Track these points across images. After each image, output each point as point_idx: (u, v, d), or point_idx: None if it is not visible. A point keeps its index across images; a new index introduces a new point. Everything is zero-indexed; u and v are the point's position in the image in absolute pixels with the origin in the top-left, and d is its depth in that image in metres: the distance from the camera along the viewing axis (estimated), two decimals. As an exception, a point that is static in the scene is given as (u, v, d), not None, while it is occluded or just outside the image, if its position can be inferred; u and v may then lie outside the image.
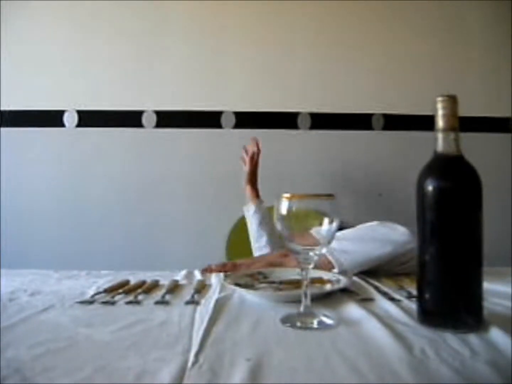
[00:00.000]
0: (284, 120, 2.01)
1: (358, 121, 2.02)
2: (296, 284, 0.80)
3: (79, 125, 1.97)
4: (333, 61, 2.03)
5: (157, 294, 0.80)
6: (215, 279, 0.93)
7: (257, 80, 2.02)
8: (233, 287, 0.81)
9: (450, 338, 0.56)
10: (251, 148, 1.63)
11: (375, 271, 0.96)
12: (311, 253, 0.64)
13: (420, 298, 0.63)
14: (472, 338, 0.56)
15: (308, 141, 2.01)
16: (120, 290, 0.81)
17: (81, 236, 1.98)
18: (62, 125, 1.97)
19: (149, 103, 1.98)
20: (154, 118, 1.98)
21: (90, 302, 0.75)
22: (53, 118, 1.96)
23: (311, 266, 0.65)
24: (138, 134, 1.98)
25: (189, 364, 0.48)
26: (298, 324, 0.62)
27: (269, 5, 1.99)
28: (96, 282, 0.91)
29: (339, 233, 0.84)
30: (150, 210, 1.99)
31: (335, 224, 0.63)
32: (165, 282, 0.89)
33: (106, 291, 0.81)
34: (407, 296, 0.77)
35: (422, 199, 0.61)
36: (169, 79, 2.00)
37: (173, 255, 1.93)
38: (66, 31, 1.99)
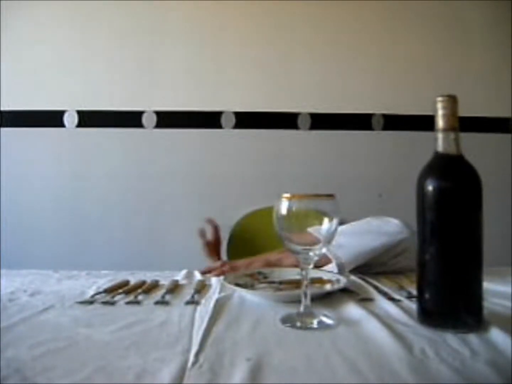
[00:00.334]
0: (284, 120, 2.01)
1: (358, 121, 2.02)
2: (296, 284, 0.80)
3: (79, 125, 1.97)
4: (333, 61, 2.03)
5: (157, 294, 0.80)
6: (215, 279, 0.93)
7: (257, 80, 2.02)
8: (233, 287, 0.80)
9: (450, 338, 0.56)
10: (214, 222, 1.44)
11: (374, 272, 0.96)
12: (311, 253, 0.64)
13: (420, 298, 0.63)
14: (472, 338, 0.56)
15: (308, 141, 2.02)
16: (120, 290, 0.81)
17: (81, 236, 1.98)
18: (62, 125, 1.97)
19: (149, 103, 1.98)
20: (154, 118, 1.98)
21: (90, 302, 0.75)
22: (53, 118, 1.96)
23: (311, 266, 0.65)
24: (138, 134, 1.98)
25: (189, 364, 0.48)
26: (298, 324, 0.62)
27: (269, 5, 1.99)
28: (96, 282, 0.91)
29: None
30: (150, 210, 1.99)
31: (335, 224, 0.63)
32: (165, 282, 0.89)
33: (106, 291, 0.81)
34: (407, 296, 0.77)
35: (422, 199, 0.61)
36: (169, 79, 2.00)
37: (173, 255, 1.92)
38: (66, 31, 2.00)
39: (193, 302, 0.75)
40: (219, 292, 0.80)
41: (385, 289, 0.83)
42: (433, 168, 0.62)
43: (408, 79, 2.04)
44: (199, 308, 0.72)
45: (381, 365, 0.48)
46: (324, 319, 0.64)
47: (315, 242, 0.64)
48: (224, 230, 1.90)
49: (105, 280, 0.93)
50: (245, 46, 2.02)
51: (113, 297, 0.77)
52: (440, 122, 0.61)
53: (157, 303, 0.74)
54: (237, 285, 0.82)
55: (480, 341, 0.55)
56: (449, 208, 0.60)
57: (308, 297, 0.65)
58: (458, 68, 2.04)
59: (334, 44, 2.04)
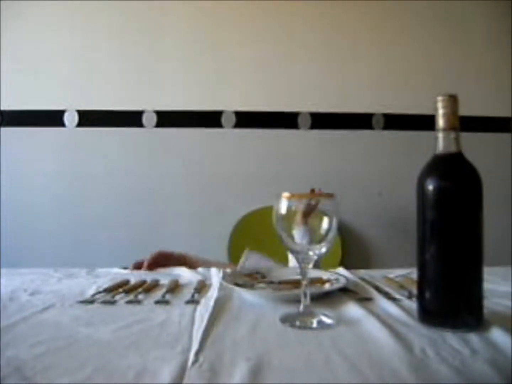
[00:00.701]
0: (284, 120, 2.01)
1: (358, 121, 2.02)
2: (296, 284, 0.80)
3: (79, 125, 1.97)
4: (333, 61, 2.03)
5: (157, 294, 0.80)
6: (215, 278, 0.93)
7: (257, 80, 2.02)
8: (232, 286, 0.80)
9: (450, 338, 0.56)
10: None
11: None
12: (310, 253, 0.64)
13: (420, 298, 0.63)
14: (472, 337, 0.56)
15: (308, 140, 2.02)
16: (120, 290, 0.81)
17: (81, 236, 1.98)
18: (62, 125, 1.97)
19: (149, 103, 1.98)
20: (154, 118, 1.98)
21: (91, 301, 0.75)
22: (53, 118, 1.96)
23: (311, 265, 0.65)
24: (138, 134, 1.98)
25: (189, 363, 0.48)
26: (298, 323, 0.62)
27: (269, 5, 1.99)
28: (96, 281, 0.91)
29: None
30: (150, 210, 1.99)
31: (335, 224, 0.63)
32: (165, 281, 0.89)
33: (106, 290, 0.81)
34: (408, 295, 0.77)
35: (422, 198, 0.61)
36: (169, 79, 2.00)
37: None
38: (66, 31, 1.99)
39: (193, 301, 0.75)
40: (219, 292, 0.80)
41: (386, 288, 0.83)
42: (433, 167, 0.62)
43: (408, 79, 2.04)
44: (199, 307, 0.72)
45: (381, 365, 0.48)
46: (324, 318, 0.64)
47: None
48: (225, 229, 1.91)
49: (105, 279, 0.93)
50: (245, 46, 2.02)
51: (113, 296, 0.77)
52: (440, 122, 0.61)
53: (157, 302, 0.74)
54: (237, 285, 0.82)
55: (480, 340, 0.55)
56: (449, 208, 0.60)
57: (308, 296, 0.65)
58: (458, 68, 2.04)
59: (334, 44, 2.04)
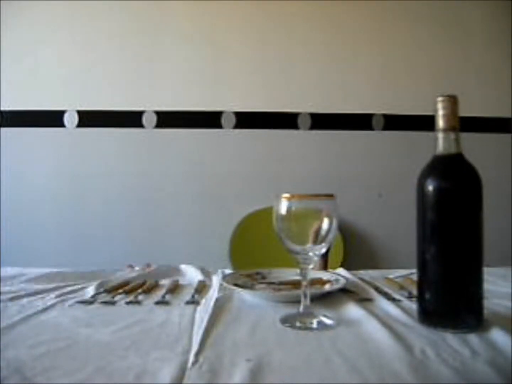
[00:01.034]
0: (284, 120, 2.01)
1: (358, 121, 2.02)
2: (296, 284, 0.80)
3: (79, 125, 1.97)
4: (333, 61, 2.03)
5: (157, 294, 0.80)
6: (215, 279, 0.93)
7: (257, 80, 2.02)
8: (232, 287, 0.80)
9: (451, 338, 0.56)
10: None
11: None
12: (310, 253, 0.64)
13: (420, 298, 0.63)
14: (473, 338, 0.56)
15: (308, 141, 2.02)
16: (121, 290, 0.81)
17: (81, 236, 1.98)
18: (62, 125, 1.97)
19: (149, 103, 1.98)
20: (154, 118, 1.98)
21: (91, 302, 0.75)
22: (53, 118, 1.96)
23: (311, 266, 0.65)
24: (138, 134, 1.98)
25: (189, 364, 0.48)
26: (298, 324, 0.62)
27: (269, 5, 1.99)
28: (96, 281, 0.91)
29: None
30: (150, 210, 1.99)
31: (335, 224, 0.63)
32: (165, 282, 0.89)
33: (107, 291, 0.81)
34: (408, 296, 0.77)
35: (423, 199, 0.61)
36: (169, 79, 2.00)
37: (174, 255, 1.92)
38: (66, 31, 1.99)
39: (193, 302, 0.75)
40: (219, 292, 0.80)
41: (385, 289, 0.83)
42: (433, 168, 0.62)
43: (408, 79, 2.04)
44: (199, 308, 0.72)
45: (381, 365, 0.48)
46: (324, 319, 0.64)
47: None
48: (225, 230, 1.90)
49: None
50: (245, 46, 2.02)
51: (113, 297, 0.77)
52: (440, 122, 0.61)
53: (157, 303, 0.74)
54: (237, 285, 0.82)
55: (481, 341, 0.55)
56: (449, 208, 0.60)
57: (308, 297, 0.65)
58: (458, 68, 2.04)
59: (334, 44, 2.04)
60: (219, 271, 1.00)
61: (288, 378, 0.46)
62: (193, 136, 2.00)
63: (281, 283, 0.84)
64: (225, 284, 0.82)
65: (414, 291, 0.68)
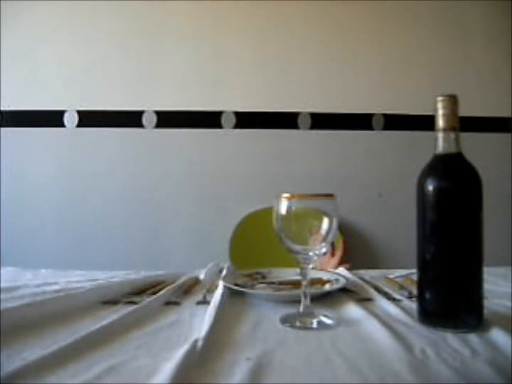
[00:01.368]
0: (284, 120, 2.01)
1: (358, 121, 2.02)
2: (296, 284, 0.80)
3: (79, 125, 1.97)
4: (333, 61, 2.03)
5: (165, 295, 0.79)
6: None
7: (257, 80, 2.02)
8: (232, 287, 0.80)
9: (451, 338, 0.56)
10: None
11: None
12: (310, 253, 0.64)
13: (420, 298, 0.63)
14: (473, 338, 0.56)
15: (308, 141, 2.01)
16: (149, 292, 0.81)
17: (81, 236, 1.98)
18: (62, 125, 1.97)
19: (149, 103, 1.98)
20: (154, 118, 1.98)
21: (115, 302, 0.75)
22: (53, 118, 1.96)
23: (311, 266, 0.65)
24: (138, 134, 1.98)
25: (190, 364, 0.48)
26: (298, 324, 0.62)
27: (269, 5, 1.99)
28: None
29: None
30: (151, 210, 1.99)
31: (335, 224, 0.63)
32: (179, 282, 0.88)
33: (134, 292, 0.80)
34: (408, 296, 0.77)
35: (423, 198, 0.61)
36: (169, 79, 2.00)
37: (174, 255, 1.93)
38: (66, 31, 1.99)
39: (204, 302, 0.75)
40: (220, 292, 0.80)
41: (385, 289, 0.83)
42: (433, 168, 0.62)
43: (408, 79, 2.03)
44: (208, 308, 0.71)
45: (381, 365, 0.48)
46: (324, 319, 0.64)
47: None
48: (225, 229, 1.90)
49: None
50: (245, 46, 2.02)
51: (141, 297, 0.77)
52: (440, 122, 0.61)
53: (167, 303, 0.74)
54: (237, 285, 0.82)
55: (481, 341, 0.55)
56: (449, 208, 0.60)
57: (308, 297, 0.65)
58: (458, 68, 2.04)
59: (334, 44, 2.04)
60: (225, 265, 1.01)
61: (288, 377, 0.46)
62: (193, 136, 2.00)
63: (281, 283, 0.84)
64: (225, 284, 0.82)
65: (414, 291, 0.68)
